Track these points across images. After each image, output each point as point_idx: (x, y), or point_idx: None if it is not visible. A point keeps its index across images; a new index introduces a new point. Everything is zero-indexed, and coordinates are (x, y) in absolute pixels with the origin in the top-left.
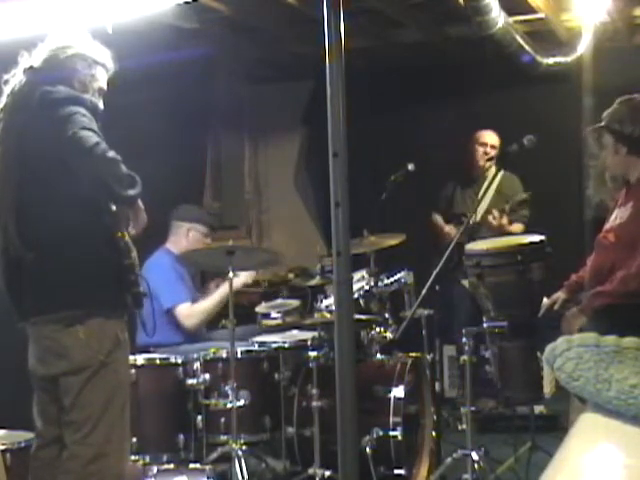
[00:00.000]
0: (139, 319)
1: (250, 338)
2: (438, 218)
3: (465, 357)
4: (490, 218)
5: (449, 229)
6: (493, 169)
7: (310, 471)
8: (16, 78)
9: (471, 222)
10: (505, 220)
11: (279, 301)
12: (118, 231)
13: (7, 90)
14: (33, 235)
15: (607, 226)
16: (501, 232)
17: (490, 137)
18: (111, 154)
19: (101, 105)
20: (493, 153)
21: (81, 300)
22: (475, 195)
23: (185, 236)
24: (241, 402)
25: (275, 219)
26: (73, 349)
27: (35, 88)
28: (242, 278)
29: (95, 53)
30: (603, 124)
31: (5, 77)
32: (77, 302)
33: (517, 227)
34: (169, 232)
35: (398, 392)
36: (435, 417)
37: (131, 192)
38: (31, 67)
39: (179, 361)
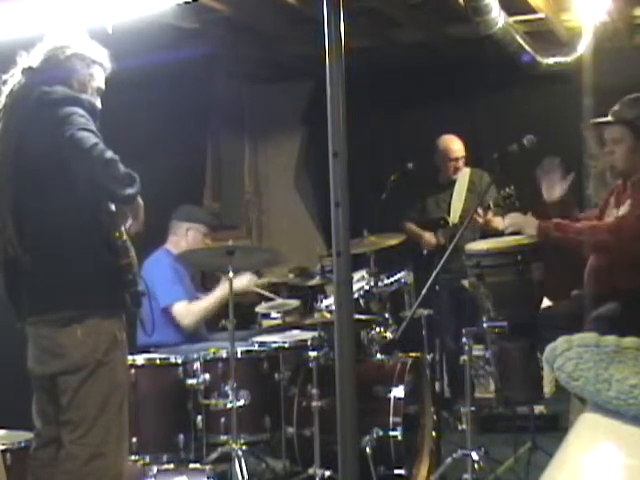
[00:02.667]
0: (138, 318)
1: (250, 338)
2: (413, 227)
3: (465, 357)
4: (476, 217)
5: (429, 236)
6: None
7: (310, 471)
8: (15, 78)
9: (450, 225)
10: (490, 215)
11: (279, 301)
12: (116, 231)
13: (6, 90)
14: (31, 235)
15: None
16: (488, 229)
17: (459, 149)
18: (109, 155)
19: (99, 104)
20: (461, 164)
21: (79, 300)
22: (449, 198)
23: (184, 236)
24: (241, 402)
25: (275, 219)
26: (70, 348)
27: (33, 89)
28: (242, 282)
29: (93, 52)
30: (621, 117)
31: (4, 77)
32: (75, 302)
33: (499, 220)
34: (169, 232)
35: (398, 392)
36: (435, 417)
37: (129, 191)
38: (30, 67)
39: (179, 361)
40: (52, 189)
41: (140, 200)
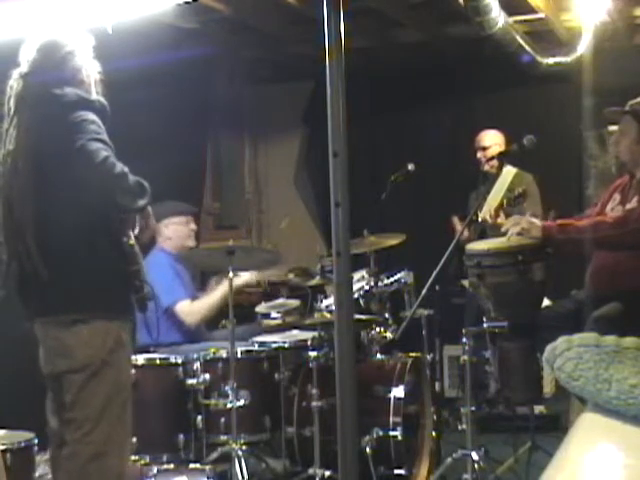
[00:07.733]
0: (144, 322)
1: (250, 338)
2: (456, 220)
3: (465, 357)
4: (487, 217)
5: (458, 228)
6: (507, 168)
7: (310, 471)
8: (19, 81)
9: (479, 221)
10: (502, 218)
11: (279, 301)
12: (125, 237)
13: (12, 93)
14: (44, 241)
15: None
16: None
17: (487, 138)
18: (118, 169)
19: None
20: (492, 154)
21: (87, 303)
22: (487, 195)
23: (167, 233)
24: (241, 402)
25: (275, 219)
26: (76, 348)
27: (42, 91)
28: (244, 277)
29: (87, 44)
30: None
31: (7, 79)
32: (83, 305)
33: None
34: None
35: (398, 392)
36: (435, 417)
37: (140, 203)
38: (31, 70)
39: (179, 361)
40: (62, 195)
41: (150, 210)
